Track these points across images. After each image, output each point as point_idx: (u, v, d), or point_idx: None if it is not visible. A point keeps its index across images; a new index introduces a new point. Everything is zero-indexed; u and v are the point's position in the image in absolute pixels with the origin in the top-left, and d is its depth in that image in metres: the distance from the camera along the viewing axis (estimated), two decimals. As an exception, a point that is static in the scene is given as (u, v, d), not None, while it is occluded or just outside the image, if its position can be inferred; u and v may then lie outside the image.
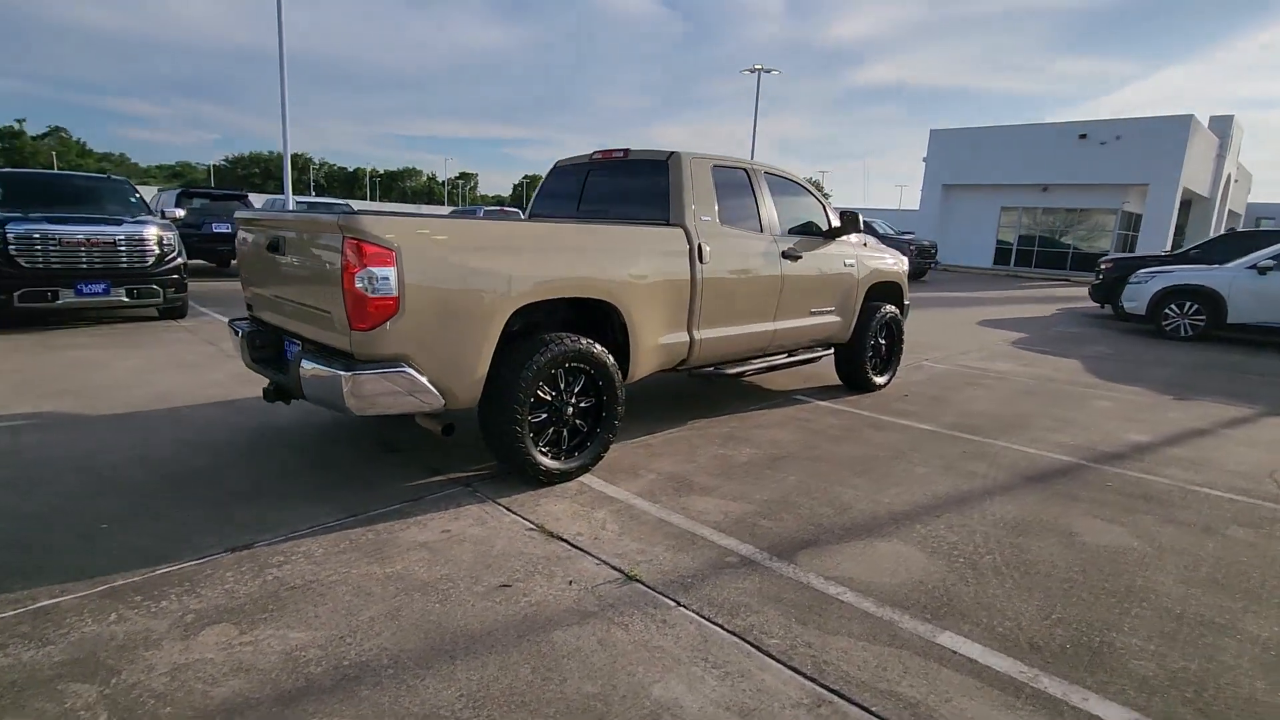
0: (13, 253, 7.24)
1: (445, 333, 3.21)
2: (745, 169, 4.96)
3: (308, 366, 3.18)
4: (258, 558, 2.80)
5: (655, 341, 4.20)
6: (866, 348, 5.98)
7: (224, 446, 4.08)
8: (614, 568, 2.85)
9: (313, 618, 2.41)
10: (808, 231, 5.42)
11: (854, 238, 5.83)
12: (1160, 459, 4.58)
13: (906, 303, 6.60)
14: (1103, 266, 13.60)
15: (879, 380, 6.23)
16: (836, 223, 5.44)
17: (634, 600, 2.61)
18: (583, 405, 3.84)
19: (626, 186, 4.78)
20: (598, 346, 3.79)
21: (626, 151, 4.82)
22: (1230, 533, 3.44)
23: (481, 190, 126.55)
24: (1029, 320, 12.49)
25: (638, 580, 2.75)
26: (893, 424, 5.17)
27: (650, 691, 2.09)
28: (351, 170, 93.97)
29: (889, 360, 6.40)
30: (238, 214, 4.27)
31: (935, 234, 29.04)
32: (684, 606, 2.58)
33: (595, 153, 5.08)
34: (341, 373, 3.02)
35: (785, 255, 5.01)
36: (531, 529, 3.18)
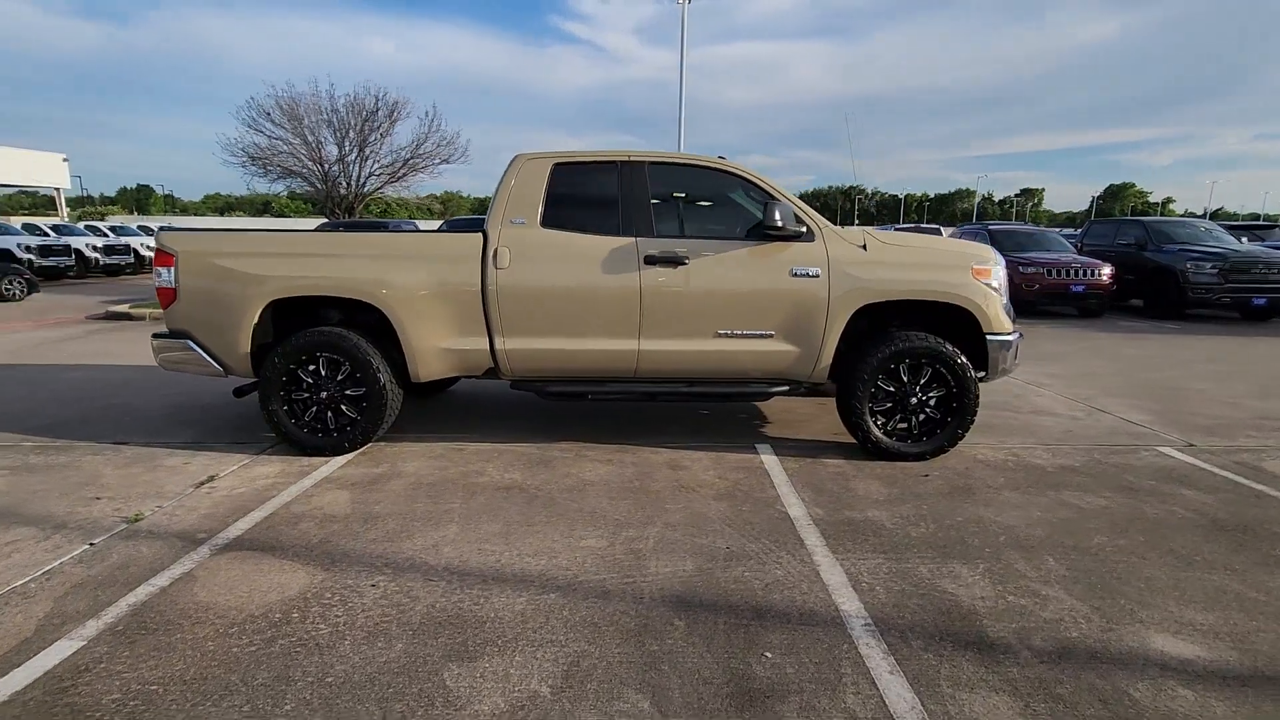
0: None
1: (212, 317, 4.26)
2: (618, 162, 4.30)
3: (154, 337, 4.64)
4: (103, 450, 4.42)
5: (436, 345, 4.25)
6: (859, 394, 4.18)
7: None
8: (153, 510, 3.44)
9: None
10: (730, 234, 4.27)
11: (835, 237, 4.19)
12: (1089, 673, 2.13)
13: (1000, 337, 4.19)
14: None
15: (896, 444, 4.23)
16: (779, 221, 4.01)
17: (85, 528, 3.21)
18: (349, 393, 4.30)
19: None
20: (352, 340, 4.19)
21: (533, 158, 4.80)
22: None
23: (1049, 206, 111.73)
24: None
25: (132, 523, 3.30)
26: (766, 502, 3.66)
27: (-66, 571, 2.81)
28: (901, 196, 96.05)
29: (940, 420, 4.24)
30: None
31: None
32: (90, 545, 3.06)
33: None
34: (152, 340, 4.41)
35: (651, 260, 4.14)
36: (209, 477, 3.95)
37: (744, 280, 4.17)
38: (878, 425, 4.25)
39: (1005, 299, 4.37)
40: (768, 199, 4.18)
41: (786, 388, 4.35)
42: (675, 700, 2.05)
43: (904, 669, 2.20)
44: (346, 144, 17.42)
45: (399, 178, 18.79)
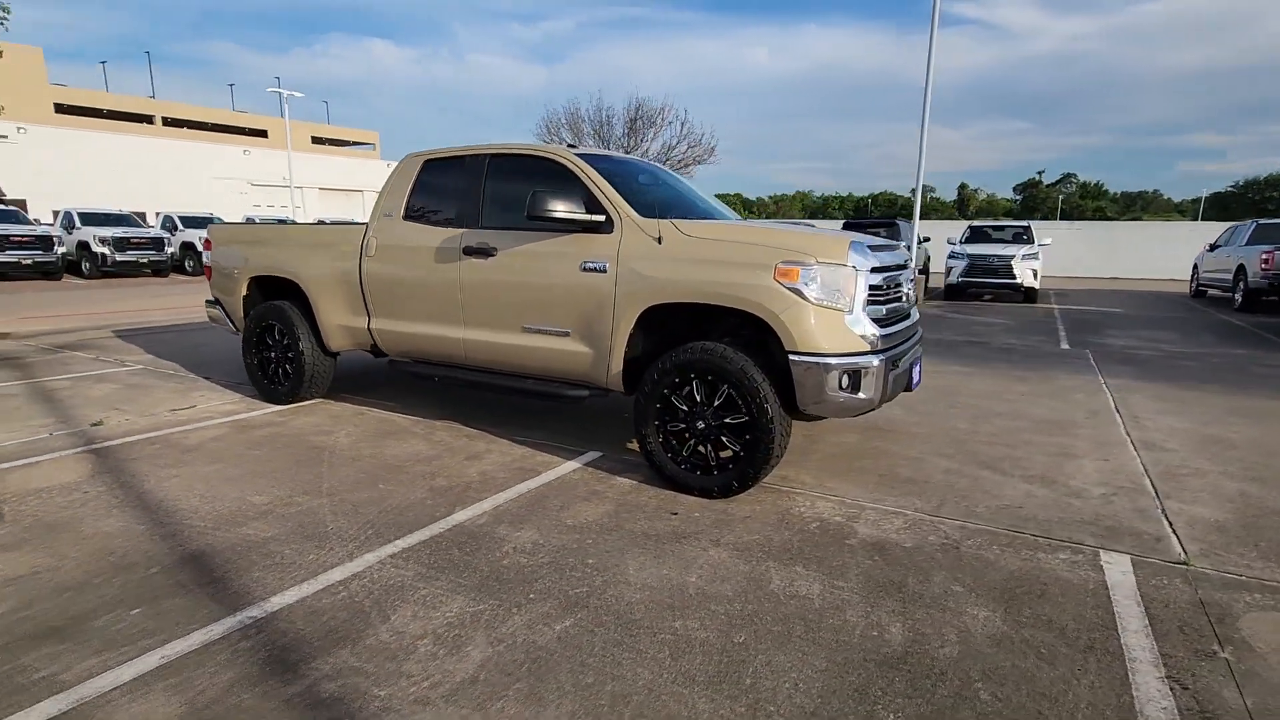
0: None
1: (225, 288, 5.63)
2: (467, 157, 4.43)
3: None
4: (187, 381, 6.16)
5: (338, 321, 4.96)
6: (641, 407, 3.66)
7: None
8: (118, 420, 4.80)
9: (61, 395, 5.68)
10: (540, 226, 4.04)
11: (633, 228, 3.70)
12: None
13: (811, 358, 3.23)
14: None
15: (681, 472, 3.59)
16: (546, 208, 3.66)
17: (68, 423, 4.66)
18: (289, 356, 5.27)
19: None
20: (288, 313, 5.13)
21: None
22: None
23: None
24: None
25: (91, 426, 4.69)
26: (460, 503, 3.54)
27: (-31, 434, 4.48)
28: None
29: (743, 455, 3.46)
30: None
31: None
32: (49, 435, 4.48)
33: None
34: (205, 303, 5.97)
35: (468, 251, 4.21)
36: (190, 406, 5.28)
37: (541, 273, 3.96)
38: (663, 447, 3.64)
39: (857, 308, 3.32)
40: (550, 186, 3.86)
41: (587, 393, 3.98)
42: (54, 622, 2.38)
43: (247, 656, 2.15)
44: (611, 149, 19.49)
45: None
